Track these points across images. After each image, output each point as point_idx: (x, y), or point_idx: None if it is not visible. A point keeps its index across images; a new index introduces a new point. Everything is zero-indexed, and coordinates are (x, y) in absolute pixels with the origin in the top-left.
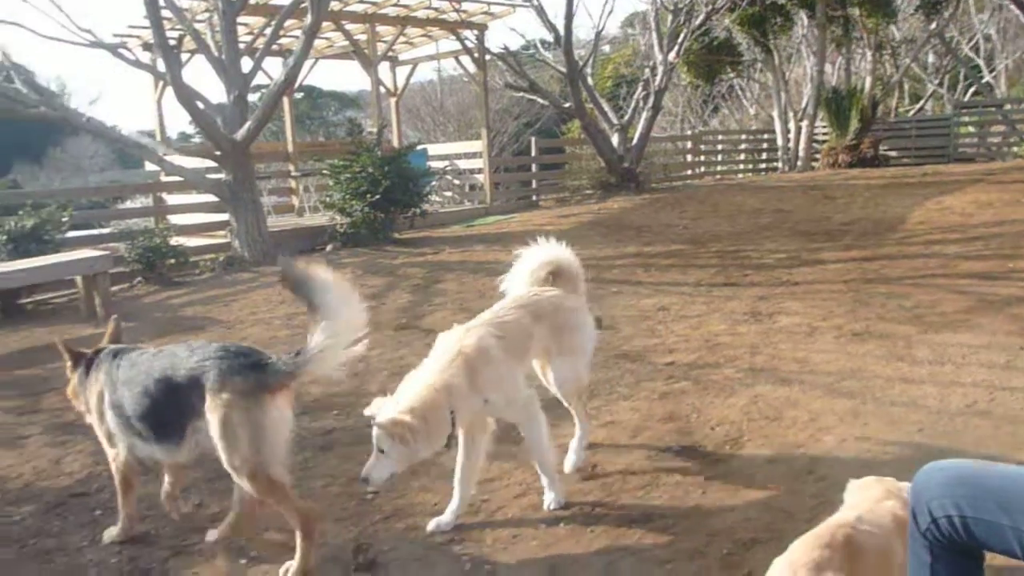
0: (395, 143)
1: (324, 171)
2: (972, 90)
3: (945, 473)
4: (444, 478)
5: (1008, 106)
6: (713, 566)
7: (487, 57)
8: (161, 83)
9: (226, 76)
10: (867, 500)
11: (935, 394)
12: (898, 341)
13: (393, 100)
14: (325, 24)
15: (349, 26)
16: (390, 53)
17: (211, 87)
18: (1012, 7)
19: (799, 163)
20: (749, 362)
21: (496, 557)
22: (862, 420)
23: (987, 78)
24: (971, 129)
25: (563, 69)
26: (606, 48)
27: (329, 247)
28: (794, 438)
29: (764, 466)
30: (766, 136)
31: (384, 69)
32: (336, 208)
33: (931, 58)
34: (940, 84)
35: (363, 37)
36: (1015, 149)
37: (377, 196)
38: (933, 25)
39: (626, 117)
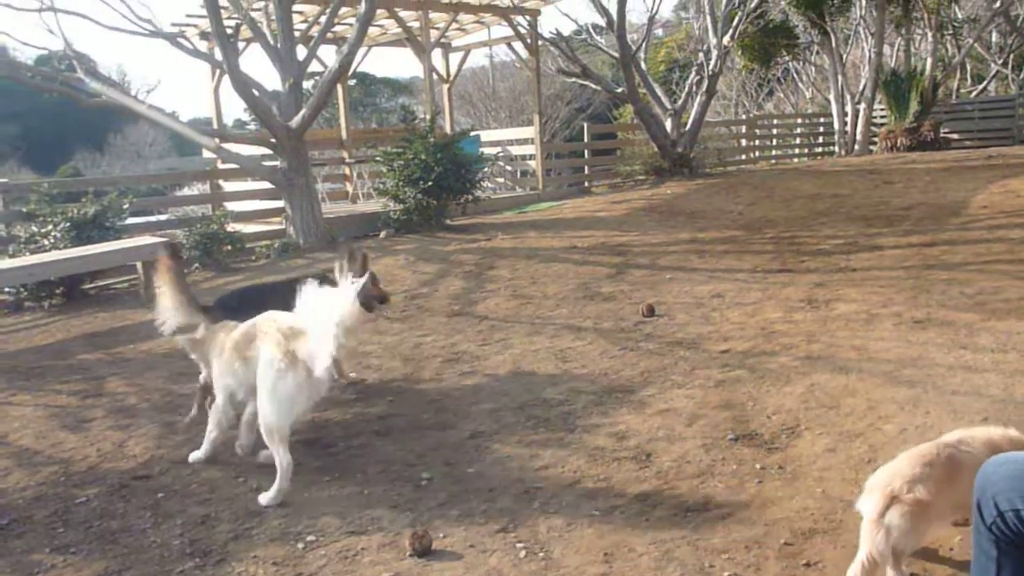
0: (447, 130)
1: (377, 158)
2: None
3: (1012, 466)
4: (498, 464)
5: None
6: (771, 556)
7: (539, 43)
8: (218, 71)
9: (281, 64)
10: (969, 428)
11: (999, 383)
12: (960, 329)
13: (445, 87)
14: (379, 11)
15: (402, 13)
16: (443, 40)
17: (267, 75)
18: None
19: (856, 147)
20: (806, 350)
21: (550, 545)
22: (923, 409)
23: None
24: None
25: (616, 54)
26: (659, 32)
27: (383, 234)
28: (853, 427)
29: (822, 455)
30: (823, 120)
31: (437, 56)
32: (389, 195)
33: (995, 37)
34: (1004, 64)
35: (416, 24)
36: None
37: (430, 183)
38: (997, 3)
39: (679, 102)
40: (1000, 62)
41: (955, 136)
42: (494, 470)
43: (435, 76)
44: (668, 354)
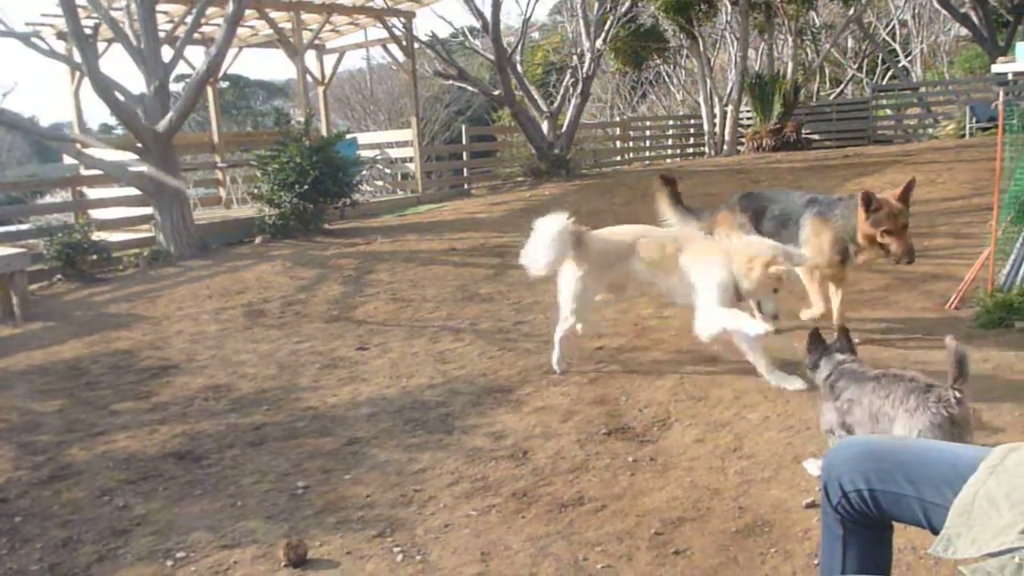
0: (324, 132)
1: (251, 162)
2: (889, 74)
3: (854, 449)
4: (376, 470)
5: (923, 89)
6: (642, 546)
7: (415, 45)
8: (78, 74)
9: (146, 66)
10: None
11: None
12: (819, 320)
13: (321, 89)
14: (248, 12)
15: (273, 14)
16: (316, 41)
17: (132, 77)
18: None
19: (725, 147)
20: (676, 344)
21: (428, 547)
22: (784, 397)
23: (903, 62)
24: (888, 112)
25: (491, 57)
26: (535, 35)
27: (258, 239)
28: (719, 417)
29: (691, 446)
30: (693, 122)
31: (311, 58)
32: (264, 199)
33: (850, 43)
34: (859, 68)
35: (288, 25)
36: (930, 131)
37: (306, 186)
38: (851, 11)
39: (555, 104)
40: (855, 66)
41: (816, 136)
42: (372, 476)
43: (310, 78)
44: (545, 352)
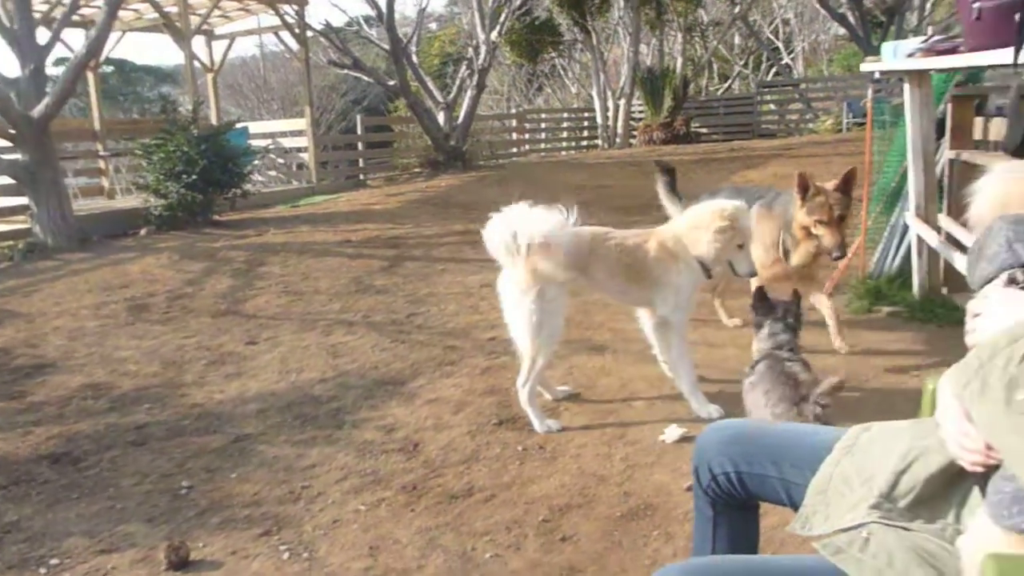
0: (213, 121)
1: (136, 151)
2: (773, 71)
3: (722, 433)
4: (264, 467)
5: (804, 85)
6: (530, 534)
7: (308, 33)
8: None
9: (19, 48)
10: None
11: (735, 356)
12: (701, 308)
13: (210, 76)
14: None
15: None
16: (204, 27)
17: (3, 60)
18: None
19: (618, 140)
20: (565, 335)
21: (315, 544)
22: (669, 384)
23: (786, 59)
24: (772, 107)
25: (386, 47)
26: (433, 26)
27: (143, 231)
28: (606, 405)
29: (578, 433)
30: (587, 114)
31: (199, 43)
32: (150, 190)
33: (737, 40)
34: (745, 65)
35: (174, 9)
36: (810, 125)
37: (194, 176)
38: (737, 9)
39: (451, 95)
40: (742, 63)
41: (704, 130)
42: (259, 473)
43: (198, 64)
44: (438, 344)
